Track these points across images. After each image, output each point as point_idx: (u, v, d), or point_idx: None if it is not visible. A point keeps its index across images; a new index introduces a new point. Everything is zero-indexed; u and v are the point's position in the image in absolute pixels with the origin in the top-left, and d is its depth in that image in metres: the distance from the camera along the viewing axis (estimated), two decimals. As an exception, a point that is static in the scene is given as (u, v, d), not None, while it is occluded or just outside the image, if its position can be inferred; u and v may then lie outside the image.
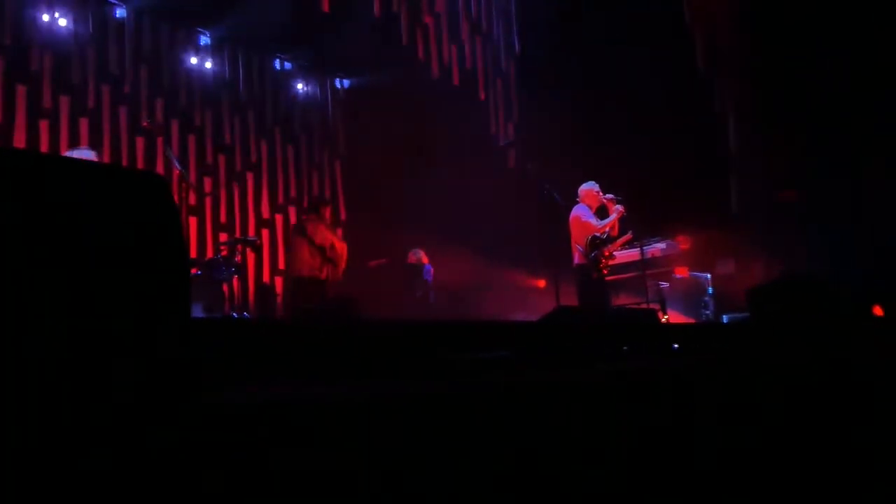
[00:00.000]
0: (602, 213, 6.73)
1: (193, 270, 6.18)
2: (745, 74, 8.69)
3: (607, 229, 6.52)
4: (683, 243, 8.11)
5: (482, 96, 10.04)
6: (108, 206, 1.16)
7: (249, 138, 8.96)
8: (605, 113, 8.92)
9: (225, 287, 6.92)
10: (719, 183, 8.95)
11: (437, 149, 8.85)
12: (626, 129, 8.79)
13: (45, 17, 7.35)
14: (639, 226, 6.69)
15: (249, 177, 8.91)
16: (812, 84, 7.99)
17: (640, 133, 8.70)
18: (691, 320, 7.45)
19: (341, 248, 6.99)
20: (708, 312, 7.66)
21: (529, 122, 9.89)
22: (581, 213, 6.63)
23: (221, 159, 8.67)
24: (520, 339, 2.89)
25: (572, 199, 6.75)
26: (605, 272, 6.53)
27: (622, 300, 7.34)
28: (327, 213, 7.10)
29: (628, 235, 6.56)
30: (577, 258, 6.57)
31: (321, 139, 9.74)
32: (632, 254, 7.42)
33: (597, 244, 6.48)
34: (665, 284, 7.34)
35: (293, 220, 9.17)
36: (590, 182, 6.81)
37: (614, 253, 6.59)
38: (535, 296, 9.22)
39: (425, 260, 8.14)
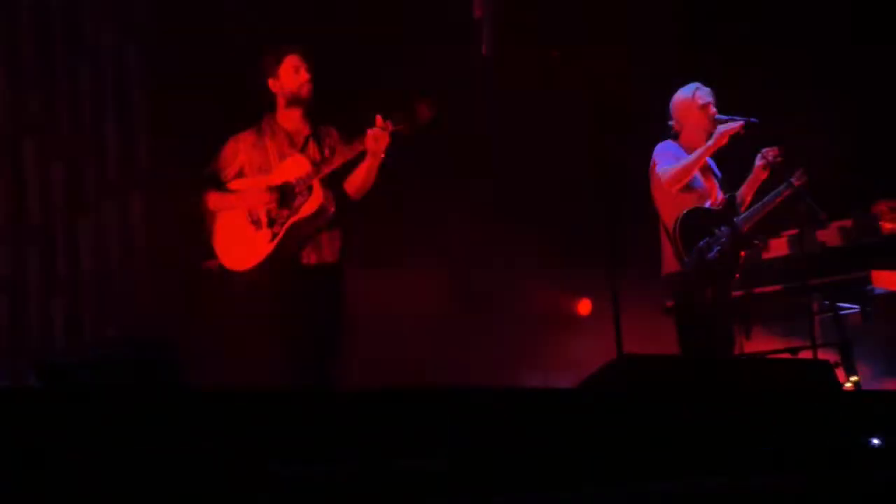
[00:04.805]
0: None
1: None
2: None
3: (725, 195, 6.81)
4: (889, 218, 8.20)
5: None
6: None
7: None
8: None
9: None
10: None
11: (343, 28, 9.08)
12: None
13: None
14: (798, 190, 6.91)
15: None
16: None
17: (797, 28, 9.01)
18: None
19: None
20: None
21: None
22: (665, 157, 6.84)
23: None
24: (531, 430, 2.89)
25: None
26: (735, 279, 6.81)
27: (758, 343, 7.54)
28: None
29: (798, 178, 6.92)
30: (668, 262, 6.79)
31: (105, 6, 9.72)
32: (777, 242, 7.55)
33: (693, 225, 6.65)
34: (852, 308, 7.40)
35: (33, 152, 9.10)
36: (690, 86, 7.02)
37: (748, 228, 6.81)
38: (570, 332, 9.35)
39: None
